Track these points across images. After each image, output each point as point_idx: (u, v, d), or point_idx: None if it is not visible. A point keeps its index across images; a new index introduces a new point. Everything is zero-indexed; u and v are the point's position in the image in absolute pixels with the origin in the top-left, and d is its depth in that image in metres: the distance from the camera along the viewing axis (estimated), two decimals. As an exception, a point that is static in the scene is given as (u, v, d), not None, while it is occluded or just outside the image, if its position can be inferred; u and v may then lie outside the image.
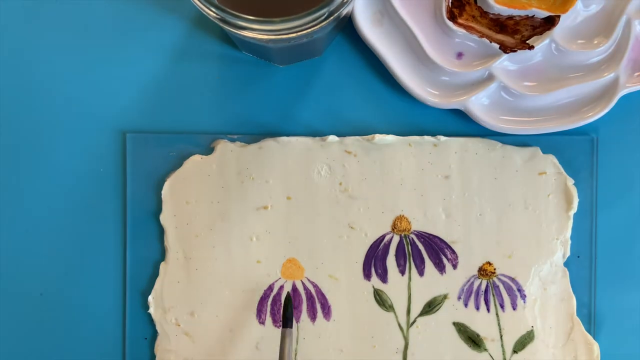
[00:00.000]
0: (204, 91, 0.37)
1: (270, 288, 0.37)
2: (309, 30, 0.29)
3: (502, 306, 0.37)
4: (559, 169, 0.37)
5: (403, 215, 0.37)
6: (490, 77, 0.36)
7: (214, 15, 0.29)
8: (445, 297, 0.37)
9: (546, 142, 0.37)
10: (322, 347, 0.37)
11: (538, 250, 0.37)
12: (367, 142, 0.37)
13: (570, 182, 0.37)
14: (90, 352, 0.37)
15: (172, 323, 0.37)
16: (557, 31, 0.35)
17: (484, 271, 0.37)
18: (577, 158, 0.37)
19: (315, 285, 0.37)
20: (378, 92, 0.37)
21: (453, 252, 0.37)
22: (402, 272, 0.37)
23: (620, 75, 0.36)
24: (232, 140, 0.37)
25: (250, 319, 0.37)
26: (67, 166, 0.37)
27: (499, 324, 0.37)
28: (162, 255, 0.37)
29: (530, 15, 0.34)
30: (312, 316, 0.37)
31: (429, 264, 0.37)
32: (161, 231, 0.37)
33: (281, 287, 0.37)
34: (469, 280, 0.37)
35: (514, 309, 0.37)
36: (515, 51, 0.34)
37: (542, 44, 0.35)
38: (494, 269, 0.37)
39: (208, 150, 0.37)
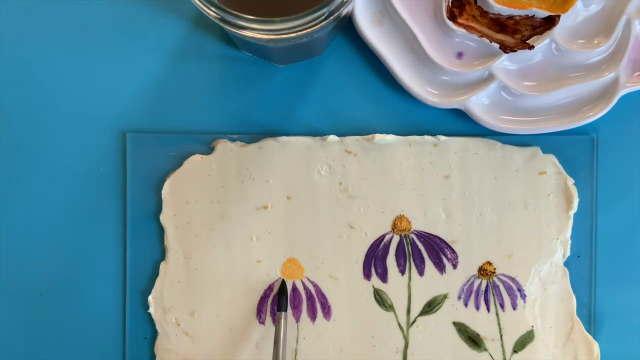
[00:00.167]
0: (204, 91, 0.37)
1: (270, 288, 0.37)
2: (309, 30, 0.29)
3: (502, 306, 0.37)
4: (559, 168, 0.37)
5: (403, 215, 0.37)
6: (490, 77, 0.36)
7: (214, 15, 0.29)
8: (445, 296, 0.37)
9: (546, 142, 0.37)
10: (322, 347, 0.37)
11: (538, 250, 0.37)
12: (367, 142, 0.37)
13: (570, 182, 0.37)
14: (90, 352, 0.37)
15: (172, 323, 0.37)
16: (557, 31, 0.35)
17: (484, 271, 0.37)
18: (577, 158, 0.37)
19: (315, 285, 0.37)
20: (378, 92, 0.37)
21: (453, 251, 0.37)
22: (402, 272, 0.37)
23: (620, 75, 0.36)
24: (232, 140, 0.37)
25: (250, 319, 0.37)
26: (67, 166, 0.37)
27: (499, 324, 0.37)
28: (162, 255, 0.37)
29: (530, 15, 0.34)
30: (312, 316, 0.37)
31: (429, 264, 0.37)
32: (161, 231, 0.37)
33: (281, 287, 0.37)
34: (469, 280, 0.37)
35: (514, 308, 0.37)
36: (515, 51, 0.34)
37: (542, 44, 0.35)
38: (494, 269, 0.37)
39: (208, 150, 0.37)
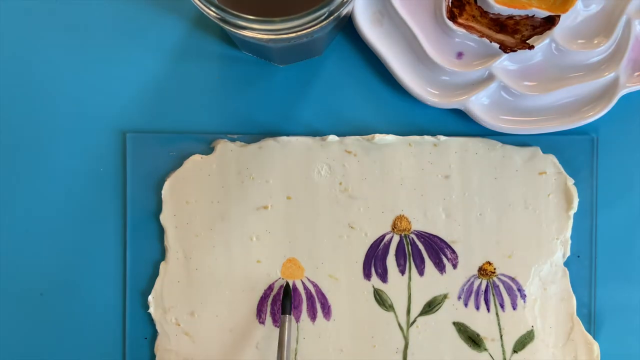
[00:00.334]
0: (204, 91, 0.37)
1: (270, 288, 0.37)
2: (309, 30, 0.29)
3: (502, 306, 0.37)
4: (559, 168, 0.37)
5: (403, 215, 0.37)
6: (490, 77, 0.36)
7: (214, 15, 0.29)
8: (445, 296, 0.37)
9: (546, 142, 0.37)
10: (322, 347, 0.37)
11: (538, 250, 0.37)
12: (367, 142, 0.37)
13: (570, 182, 0.37)
14: (90, 352, 0.37)
15: (172, 323, 0.37)
16: (557, 31, 0.35)
17: (484, 271, 0.37)
18: (577, 158, 0.37)
19: (315, 285, 0.37)
20: (378, 92, 0.37)
21: (453, 251, 0.37)
22: (402, 272, 0.37)
23: (620, 75, 0.36)
24: (232, 140, 0.37)
25: (250, 319, 0.37)
26: (67, 166, 0.37)
27: (499, 324, 0.37)
28: (162, 255, 0.37)
29: (530, 15, 0.34)
30: (312, 316, 0.37)
31: (429, 264, 0.37)
32: (161, 231, 0.37)
33: (281, 287, 0.37)
34: (469, 280, 0.37)
35: (514, 308, 0.37)
36: (515, 51, 0.34)
37: (542, 44, 0.35)
38: (494, 269, 0.37)
39: (208, 150, 0.37)
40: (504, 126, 0.36)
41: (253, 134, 0.37)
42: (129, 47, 0.37)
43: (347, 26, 0.37)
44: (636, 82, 0.36)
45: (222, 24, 0.29)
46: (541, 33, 0.35)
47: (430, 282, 0.37)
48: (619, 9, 0.35)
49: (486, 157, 0.37)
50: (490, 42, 0.35)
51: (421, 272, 0.37)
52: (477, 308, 0.37)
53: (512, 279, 0.37)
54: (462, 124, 0.37)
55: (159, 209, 0.37)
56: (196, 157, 0.37)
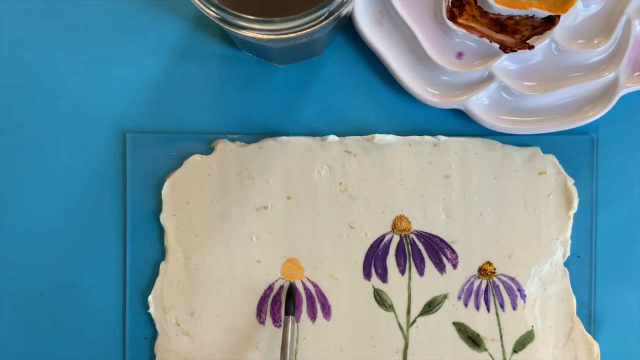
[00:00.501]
0: (204, 91, 0.37)
1: (270, 288, 0.37)
2: (309, 30, 0.29)
3: (502, 306, 0.37)
4: (559, 168, 0.37)
5: (403, 215, 0.37)
6: (490, 77, 0.36)
7: (214, 15, 0.29)
8: (445, 297, 0.37)
9: (546, 142, 0.37)
10: (322, 347, 0.37)
11: (538, 250, 0.37)
12: (367, 142, 0.37)
13: (570, 182, 0.37)
14: (90, 352, 0.37)
15: (172, 323, 0.37)
16: (557, 31, 0.35)
17: (484, 271, 0.37)
18: (577, 158, 0.37)
19: (315, 285, 0.37)
20: (378, 92, 0.37)
21: (453, 252, 0.37)
22: (402, 272, 0.37)
23: (620, 75, 0.36)
24: (232, 140, 0.37)
25: (250, 319, 0.37)
26: (67, 166, 0.37)
27: (499, 324, 0.37)
28: (162, 255, 0.37)
29: (530, 15, 0.34)
30: (312, 316, 0.37)
31: (429, 264, 0.37)
32: (161, 231, 0.37)
33: (281, 287, 0.37)
34: (469, 280, 0.37)
35: (514, 308, 0.37)
36: (515, 51, 0.34)
37: (542, 44, 0.35)
38: (494, 269, 0.37)
39: (208, 150, 0.37)
40: (504, 126, 0.36)
41: (253, 134, 0.37)
42: (129, 47, 0.37)
43: (347, 26, 0.37)
44: (636, 82, 0.36)
45: (222, 24, 0.29)
46: (541, 33, 0.35)
47: (430, 282, 0.37)
48: (619, 9, 0.35)
49: (486, 157, 0.37)
50: (490, 42, 0.35)
51: (421, 272, 0.37)
52: (477, 308, 0.37)
53: (512, 279, 0.37)
54: (462, 124, 0.37)
55: (159, 209, 0.37)
56: (196, 157, 0.37)
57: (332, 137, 0.37)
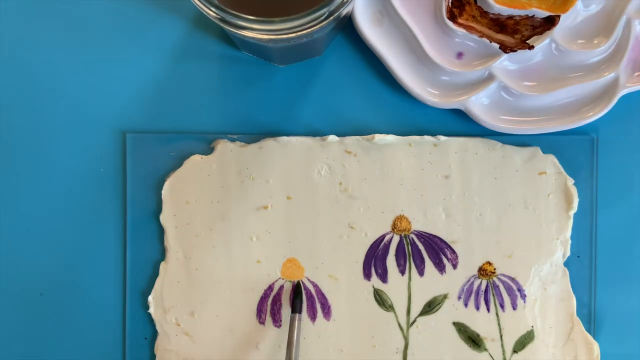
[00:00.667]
0: (204, 91, 0.37)
1: (270, 288, 0.37)
2: (309, 30, 0.29)
3: (502, 306, 0.37)
4: (559, 169, 0.37)
5: (403, 215, 0.37)
6: (490, 77, 0.36)
7: (214, 15, 0.29)
8: (445, 297, 0.37)
9: (546, 142, 0.37)
10: (322, 347, 0.37)
11: (538, 250, 0.37)
12: (367, 142, 0.37)
13: (570, 182, 0.37)
14: (90, 352, 0.37)
15: (172, 323, 0.37)
16: (557, 31, 0.35)
17: (484, 271, 0.37)
18: (577, 158, 0.37)
19: (315, 285, 0.37)
20: (378, 92, 0.37)
21: (453, 252, 0.37)
22: (402, 272, 0.37)
23: (620, 75, 0.36)
24: (232, 140, 0.37)
25: (250, 319, 0.37)
26: (67, 166, 0.37)
27: (499, 324, 0.37)
28: (162, 255, 0.37)
29: (530, 15, 0.34)
30: (312, 316, 0.37)
31: (429, 264, 0.37)
32: (161, 231, 0.37)
33: (281, 287, 0.37)
34: (469, 280, 0.37)
35: (514, 308, 0.37)
36: (515, 51, 0.34)
37: (542, 44, 0.35)
38: (494, 269, 0.37)
39: (208, 150, 0.37)
40: (504, 126, 0.36)
41: (253, 134, 0.37)
42: (129, 47, 0.37)
43: (347, 26, 0.37)
44: (636, 82, 0.36)
45: (222, 24, 0.29)
46: (541, 33, 0.35)
47: (430, 282, 0.37)
48: (619, 9, 0.35)
49: (486, 157, 0.37)
50: (490, 42, 0.35)
51: (421, 272, 0.37)
52: (477, 308, 0.37)
53: (512, 279, 0.37)
54: (462, 124, 0.37)
55: (159, 209, 0.37)
56: (196, 157, 0.37)
57: (332, 137, 0.37)
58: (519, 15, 0.34)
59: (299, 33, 0.29)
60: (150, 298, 0.37)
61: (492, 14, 0.35)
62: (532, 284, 0.37)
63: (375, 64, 0.37)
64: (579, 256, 0.37)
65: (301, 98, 0.37)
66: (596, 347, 0.37)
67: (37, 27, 0.37)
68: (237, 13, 0.28)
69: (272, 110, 0.37)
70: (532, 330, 0.37)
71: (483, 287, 0.37)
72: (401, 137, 0.37)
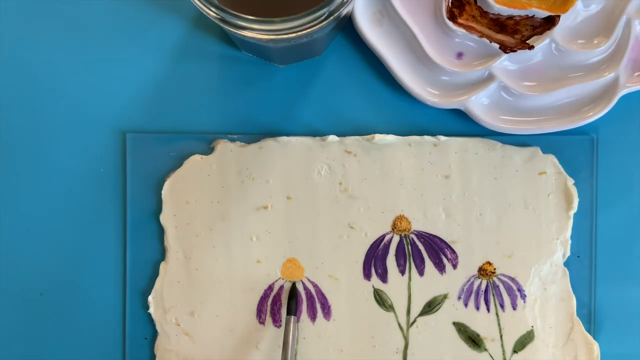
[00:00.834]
0: (204, 91, 0.37)
1: (270, 288, 0.37)
2: (309, 30, 0.29)
3: (502, 306, 0.37)
4: (559, 169, 0.37)
5: (403, 215, 0.37)
6: (490, 77, 0.36)
7: (214, 15, 0.29)
8: (445, 297, 0.37)
9: (546, 142, 0.37)
10: (322, 347, 0.37)
11: (538, 250, 0.37)
12: (367, 142, 0.37)
13: (570, 182, 0.37)
14: (90, 352, 0.37)
15: (172, 323, 0.37)
16: (557, 31, 0.35)
17: (484, 271, 0.37)
18: (577, 158, 0.37)
19: (315, 285, 0.37)
20: (378, 92, 0.37)
21: (453, 252, 0.37)
22: (402, 272, 0.37)
23: (620, 75, 0.36)
24: (232, 140, 0.37)
25: (250, 319, 0.37)
26: (67, 166, 0.37)
27: (499, 324, 0.37)
28: (162, 255, 0.37)
29: (530, 15, 0.34)
30: (312, 316, 0.37)
31: (429, 264, 0.37)
32: (161, 231, 0.37)
33: (281, 287, 0.37)
34: (469, 280, 0.37)
35: (514, 308, 0.37)
36: (515, 51, 0.34)
37: (542, 44, 0.35)
38: (494, 269, 0.37)
39: (208, 150, 0.37)
40: (504, 126, 0.36)
41: (253, 134, 0.37)
42: (129, 47, 0.37)
43: (347, 26, 0.37)
44: (636, 82, 0.36)
45: (222, 24, 0.29)
46: (541, 33, 0.35)
47: (430, 282, 0.37)
48: (619, 9, 0.35)
49: (486, 157, 0.37)
50: (490, 42, 0.35)
51: (421, 272, 0.37)
52: (477, 308, 0.37)
53: (512, 279, 0.37)
54: (462, 124, 0.37)
55: (159, 209, 0.37)
56: (196, 157, 0.37)
57: (332, 137, 0.37)
58: (519, 15, 0.34)
59: (299, 33, 0.29)
60: (150, 298, 0.37)
61: (492, 14, 0.35)
62: (532, 284, 0.37)
63: (375, 64, 0.37)
64: (579, 256, 0.37)
65: (301, 98, 0.37)
66: (596, 347, 0.37)
67: (37, 27, 0.37)
68: (237, 13, 0.28)
69: (272, 110, 0.37)
70: (532, 330, 0.37)
71: (483, 287, 0.37)
72: (401, 137, 0.37)
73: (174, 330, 0.37)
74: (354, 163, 0.37)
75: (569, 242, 0.37)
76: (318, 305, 0.37)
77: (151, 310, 0.37)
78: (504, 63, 0.36)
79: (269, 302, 0.37)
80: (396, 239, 0.37)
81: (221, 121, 0.37)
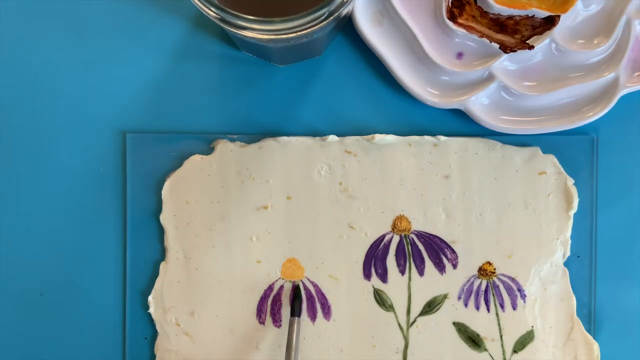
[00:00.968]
0: (204, 91, 0.37)
1: (270, 288, 0.37)
2: (309, 30, 0.29)
3: (502, 306, 0.37)
4: (559, 169, 0.37)
5: (403, 215, 0.37)
6: (490, 77, 0.36)
7: (214, 15, 0.29)
8: (445, 297, 0.37)
9: (546, 142, 0.37)
10: (322, 347, 0.37)
11: (538, 250, 0.37)
12: (367, 142, 0.37)
13: (570, 182, 0.37)
14: (90, 352, 0.37)
15: (172, 323, 0.37)
16: (557, 31, 0.35)
17: (484, 271, 0.37)
18: (577, 158, 0.37)
19: (315, 285, 0.37)
20: (378, 92, 0.37)
21: (453, 252, 0.37)
22: (402, 272, 0.37)
23: (620, 75, 0.36)
24: (232, 140, 0.37)
25: (250, 319, 0.37)
26: (67, 166, 0.37)
27: (499, 324, 0.37)
28: (162, 255, 0.37)
29: (530, 15, 0.34)
30: (312, 316, 0.37)
31: (429, 264, 0.37)
32: (161, 231, 0.37)
33: (281, 287, 0.37)
34: (469, 280, 0.37)
35: (514, 308, 0.37)
36: (515, 51, 0.34)
37: (542, 44, 0.35)
38: (494, 269, 0.37)
39: (208, 150, 0.37)
40: (504, 126, 0.36)
41: (253, 134, 0.37)
42: (129, 47, 0.37)
43: (347, 26, 0.37)
44: (636, 82, 0.36)
45: (222, 24, 0.29)
46: (541, 33, 0.35)
47: (430, 282, 0.37)
48: (619, 9, 0.35)
49: (486, 157, 0.37)
50: (490, 42, 0.35)
51: (421, 272, 0.37)
52: (477, 308, 0.37)
53: (512, 279, 0.37)
54: (462, 124, 0.37)
55: (159, 209, 0.37)
56: (196, 157, 0.37)
57: (332, 137, 0.37)
58: (519, 15, 0.34)
59: (299, 33, 0.29)
60: (150, 298, 0.37)
61: (492, 14, 0.35)
62: (532, 284, 0.37)
63: (375, 64, 0.37)
64: (579, 256, 0.37)
65: (301, 98, 0.37)
66: (596, 347, 0.37)
67: (37, 27, 0.37)
68: (237, 13, 0.28)
69: (272, 110, 0.37)
70: (532, 330, 0.37)
71: (483, 287, 0.37)
72: (401, 137, 0.37)
73: (174, 330, 0.37)
74: (354, 163, 0.37)
75: (569, 242, 0.37)
76: (318, 305, 0.37)
77: (151, 310, 0.37)
78: (504, 63, 0.36)
79: (269, 302, 0.37)
80: (396, 239, 0.37)
81: (221, 121, 0.37)
